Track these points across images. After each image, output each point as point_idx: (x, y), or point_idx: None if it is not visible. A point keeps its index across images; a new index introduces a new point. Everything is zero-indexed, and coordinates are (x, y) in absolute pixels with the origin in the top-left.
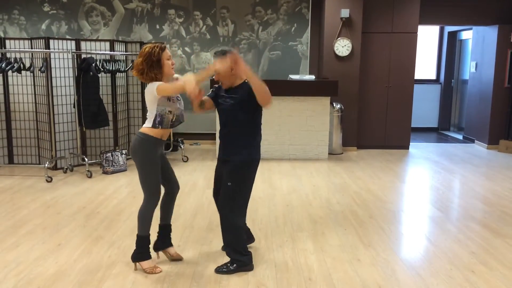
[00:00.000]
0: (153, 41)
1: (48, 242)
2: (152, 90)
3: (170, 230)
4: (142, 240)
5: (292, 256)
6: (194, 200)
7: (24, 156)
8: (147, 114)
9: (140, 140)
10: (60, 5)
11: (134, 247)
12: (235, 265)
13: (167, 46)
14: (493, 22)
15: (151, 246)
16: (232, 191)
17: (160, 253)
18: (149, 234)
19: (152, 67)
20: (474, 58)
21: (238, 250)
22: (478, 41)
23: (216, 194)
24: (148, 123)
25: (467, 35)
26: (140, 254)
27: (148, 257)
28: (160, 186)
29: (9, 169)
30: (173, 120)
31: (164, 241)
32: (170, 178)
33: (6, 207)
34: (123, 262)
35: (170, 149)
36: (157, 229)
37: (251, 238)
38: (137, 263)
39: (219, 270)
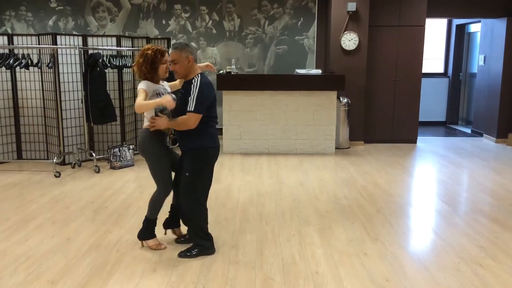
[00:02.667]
0: (159, 37)
1: (57, 236)
2: (138, 92)
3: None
4: (149, 222)
5: (299, 250)
6: None
7: (33, 152)
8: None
9: (144, 136)
10: (67, 1)
11: (149, 244)
12: (196, 250)
13: (167, 50)
14: (502, 14)
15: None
16: (191, 181)
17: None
18: (157, 218)
19: (147, 68)
20: (483, 51)
21: (200, 235)
22: (486, 34)
23: (176, 185)
24: (148, 115)
25: (476, 28)
26: (146, 233)
27: (153, 236)
28: (170, 177)
29: (18, 165)
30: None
31: (174, 221)
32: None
33: (15, 202)
34: (131, 256)
35: (177, 144)
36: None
37: (176, 222)
38: (144, 242)
39: (182, 255)
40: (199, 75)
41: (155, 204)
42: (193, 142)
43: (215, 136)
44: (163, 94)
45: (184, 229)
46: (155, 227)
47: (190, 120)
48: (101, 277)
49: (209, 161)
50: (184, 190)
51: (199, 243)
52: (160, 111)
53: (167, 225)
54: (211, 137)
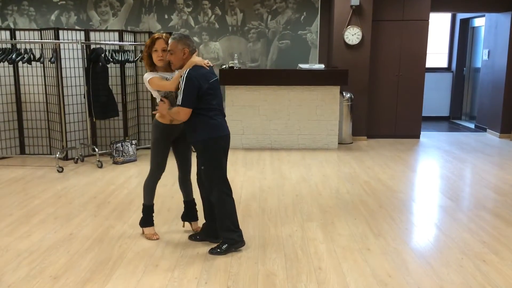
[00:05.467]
0: (161, 31)
1: (60, 232)
2: (145, 80)
3: (193, 205)
4: (146, 208)
5: (302, 246)
6: None
7: (36, 147)
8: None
9: (153, 125)
10: None
11: (144, 232)
12: (226, 245)
13: (163, 36)
14: (506, 9)
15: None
16: (206, 172)
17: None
18: (153, 204)
19: (146, 57)
20: (487, 45)
21: (228, 227)
22: (490, 29)
23: (198, 178)
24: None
25: (480, 22)
26: (144, 220)
27: (150, 224)
28: (162, 165)
29: (21, 160)
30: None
31: (188, 214)
32: (182, 163)
33: (18, 197)
34: (134, 251)
35: None
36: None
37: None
38: (143, 229)
39: (213, 252)
40: (193, 66)
41: (147, 189)
42: (197, 135)
43: (219, 126)
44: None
45: (201, 224)
46: (153, 215)
47: (179, 113)
48: (104, 272)
49: (217, 151)
50: (206, 183)
51: (227, 236)
52: (165, 96)
53: (183, 218)
54: (213, 127)
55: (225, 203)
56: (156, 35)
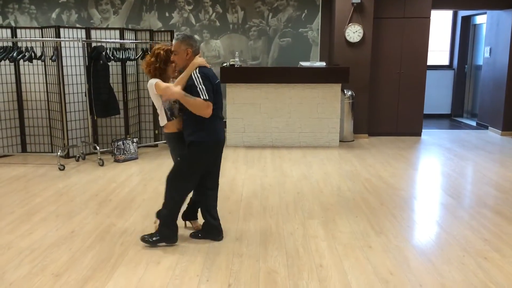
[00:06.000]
0: (162, 29)
1: (62, 229)
2: (150, 85)
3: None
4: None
5: (303, 243)
6: None
7: (37, 145)
8: (158, 111)
9: (167, 139)
10: None
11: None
12: (158, 237)
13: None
14: (508, 6)
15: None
16: (179, 166)
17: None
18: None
19: (161, 67)
20: (488, 43)
21: (166, 221)
22: (492, 26)
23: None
24: (162, 121)
25: (481, 19)
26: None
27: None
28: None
29: (22, 158)
30: (180, 107)
31: (188, 213)
32: None
33: (19, 195)
34: (135, 249)
35: None
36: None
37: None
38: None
39: (143, 238)
40: (198, 67)
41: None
42: (194, 135)
43: (216, 131)
44: None
45: (201, 222)
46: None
47: (209, 106)
48: (105, 270)
49: (204, 154)
50: (171, 172)
51: (161, 229)
52: (169, 107)
53: (184, 217)
54: (212, 131)
55: (180, 197)
56: (163, 47)
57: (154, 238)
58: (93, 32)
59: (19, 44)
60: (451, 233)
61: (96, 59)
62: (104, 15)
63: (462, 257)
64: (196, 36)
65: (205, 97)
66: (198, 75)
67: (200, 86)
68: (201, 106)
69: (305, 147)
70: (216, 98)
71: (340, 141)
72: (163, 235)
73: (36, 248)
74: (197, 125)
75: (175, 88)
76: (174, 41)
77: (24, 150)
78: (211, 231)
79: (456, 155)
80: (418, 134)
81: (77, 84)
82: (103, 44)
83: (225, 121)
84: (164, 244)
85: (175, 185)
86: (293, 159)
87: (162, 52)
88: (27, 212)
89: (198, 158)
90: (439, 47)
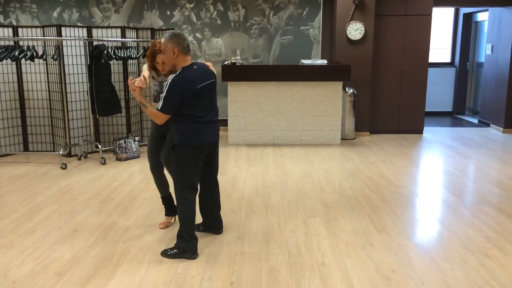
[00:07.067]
0: (164, 28)
1: (64, 228)
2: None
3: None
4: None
5: (305, 241)
6: None
7: (39, 144)
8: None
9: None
10: None
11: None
12: (176, 250)
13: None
14: (510, 3)
15: None
16: (175, 174)
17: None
18: (163, 197)
19: (150, 66)
20: (490, 40)
21: (182, 233)
22: (494, 23)
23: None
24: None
25: (483, 16)
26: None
27: (165, 214)
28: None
29: (25, 157)
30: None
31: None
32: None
33: (22, 194)
34: (137, 247)
35: None
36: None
37: (218, 229)
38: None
39: (162, 253)
40: (182, 69)
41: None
42: (178, 137)
43: (198, 133)
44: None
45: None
46: (164, 206)
47: (158, 117)
48: (108, 268)
49: (189, 156)
50: (173, 183)
51: (179, 242)
52: (160, 94)
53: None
54: (194, 134)
55: (185, 204)
56: (155, 48)
57: (172, 252)
58: (94, 30)
59: (21, 43)
60: (453, 231)
61: (97, 58)
62: (105, 13)
63: (464, 255)
64: (197, 34)
65: (158, 107)
66: (170, 81)
67: (164, 94)
68: (151, 114)
69: (307, 145)
70: (197, 101)
71: (341, 139)
72: (181, 249)
73: (39, 247)
74: (178, 128)
75: (137, 90)
76: (162, 40)
77: (26, 149)
78: (212, 225)
79: (458, 153)
80: (420, 131)
81: (78, 83)
82: (105, 43)
83: (226, 120)
84: (180, 257)
85: (180, 192)
86: (295, 157)
87: (149, 49)
88: (30, 210)
89: (183, 160)
90: (440, 45)
